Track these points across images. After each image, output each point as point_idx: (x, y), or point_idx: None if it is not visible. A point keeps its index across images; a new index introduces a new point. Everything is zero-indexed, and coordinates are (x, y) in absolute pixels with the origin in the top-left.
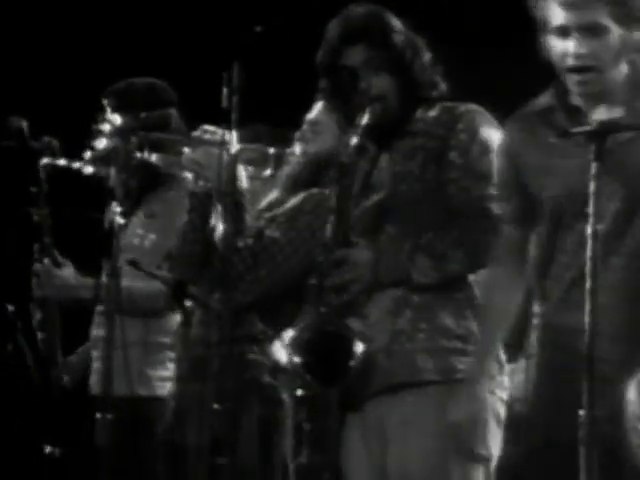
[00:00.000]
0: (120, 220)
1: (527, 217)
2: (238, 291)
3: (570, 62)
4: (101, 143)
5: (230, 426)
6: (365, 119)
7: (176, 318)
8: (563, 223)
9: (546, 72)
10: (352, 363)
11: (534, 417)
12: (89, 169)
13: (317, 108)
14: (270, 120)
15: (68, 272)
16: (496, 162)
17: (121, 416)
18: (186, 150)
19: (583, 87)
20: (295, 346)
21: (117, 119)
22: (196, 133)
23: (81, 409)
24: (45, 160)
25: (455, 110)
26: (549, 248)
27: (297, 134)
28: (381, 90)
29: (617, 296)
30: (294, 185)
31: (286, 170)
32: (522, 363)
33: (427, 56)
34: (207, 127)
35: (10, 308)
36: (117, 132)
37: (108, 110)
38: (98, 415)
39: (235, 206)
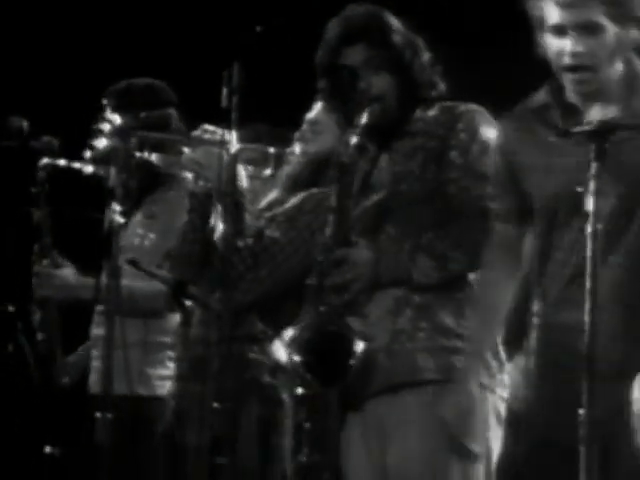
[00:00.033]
0: (120, 219)
1: (522, 215)
2: (238, 291)
3: (566, 61)
4: (101, 143)
5: (230, 426)
6: (364, 119)
7: (176, 318)
8: (559, 221)
9: (545, 72)
10: (352, 363)
11: (533, 416)
12: (89, 169)
13: (317, 108)
14: (270, 120)
15: (68, 272)
16: (492, 160)
17: (121, 415)
18: (186, 150)
19: (579, 86)
20: (295, 345)
21: (117, 119)
22: (196, 133)
23: (81, 409)
24: (45, 160)
25: (455, 110)
26: (545, 246)
27: (297, 134)
28: (380, 90)
29: (615, 294)
30: (294, 185)
31: (286, 170)
32: (521, 362)
33: (426, 56)
34: (207, 127)
35: (10, 308)
36: (117, 132)
37: (108, 110)
38: (98, 414)
39: (235, 206)
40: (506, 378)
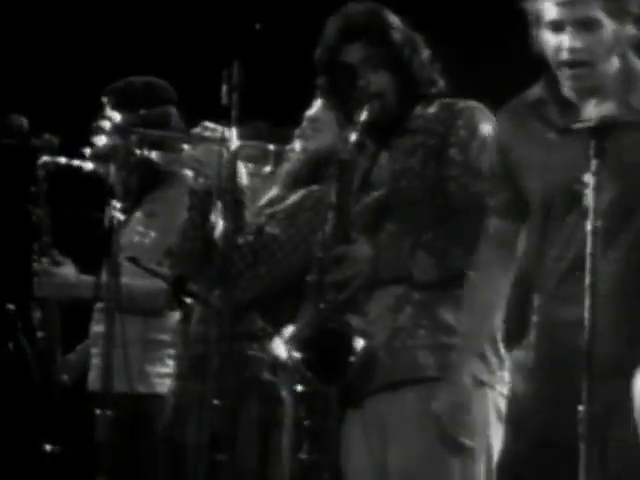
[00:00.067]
0: (120, 217)
1: (517, 210)
2: (238, 288)
3: (564, 56)
4: (101, 141)
5: (230, 423)
6: (364, 116)
7: (176, 315)
8: (554, 216)
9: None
10: (352, 360)
11: (532, 414)
12: (89, 166)
13: (317, 105)
14: (270, 117)
15: (68, 271)
16: (488, 155)
17: (121, 413)
18: (186, 147)
19: (576, 81)
20: (295, 343)
21: (117, 117)
22: (196, 130)
23: (81, 407)
24: (44, 158)
25: (454, 107)
26: (540, 241)
27: (297, 131)
28: (380, 87)
29: (613, 290)
30: (294, 182)
31: (286, 167)
32: (521, 358)
33: (425, 53)
34: (207, 124)
35: (10, 307)
36: (117, 129)
37: (108, 108)
38: (98, 411)
39: (235, 203)
40: (506, 375)
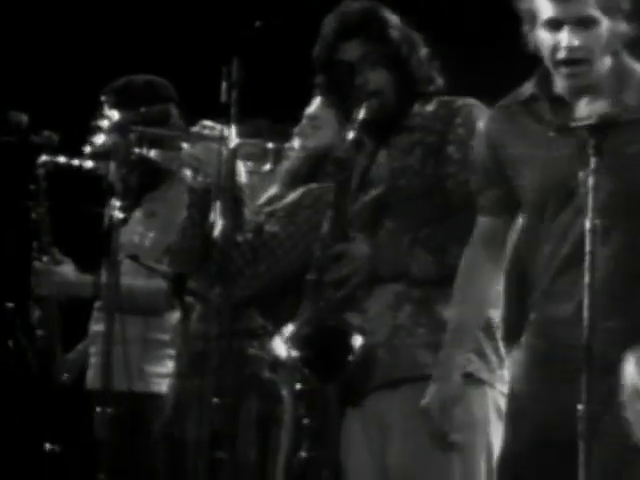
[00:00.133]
0: (120, 215)
1: (508, 207)
2: (237, 286)
3: (562, 54)
4: (100, 139)
5: (229, 421)
6: (362, 114)
7: (175, 315)
8: (547, 213)
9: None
10: (351, 358)
11: (532, 413)
12: (88, 165)
13: (316, 103)
14: (269, 115)
15: (67, 269)
16: (476, 152)
17: (120, 412)
18: (185, 145)
19: (573, 79)
20: (294, 341)
21: (116, 115)
22: (195, 128)
23: (80, 406)
24: (44, 157)
25: (452, 104)
26: (533, 239)
27: (296, 129)
28: (378, 85)
29: (605, 287)
30: (293, 180)
31: (285, 165)
32: (519, 356)
33: (423, 51)
34: (206, 122)
35: (10, 305)
36: (116, 128)
37: (107, 106)
38: (98, 409)
39: (234, 201)
40: (506, 373)
